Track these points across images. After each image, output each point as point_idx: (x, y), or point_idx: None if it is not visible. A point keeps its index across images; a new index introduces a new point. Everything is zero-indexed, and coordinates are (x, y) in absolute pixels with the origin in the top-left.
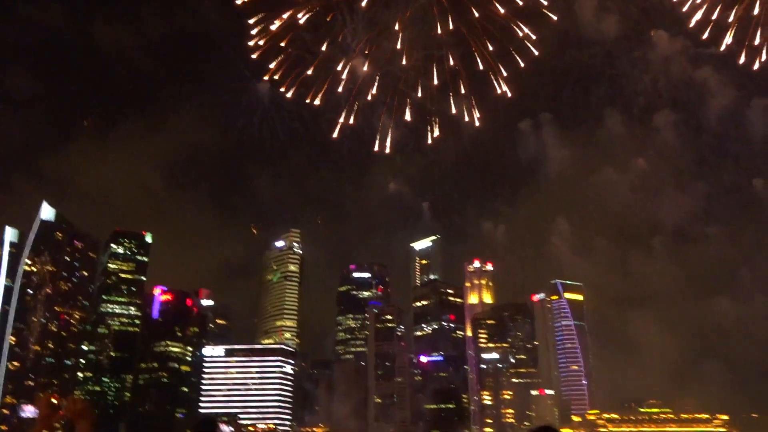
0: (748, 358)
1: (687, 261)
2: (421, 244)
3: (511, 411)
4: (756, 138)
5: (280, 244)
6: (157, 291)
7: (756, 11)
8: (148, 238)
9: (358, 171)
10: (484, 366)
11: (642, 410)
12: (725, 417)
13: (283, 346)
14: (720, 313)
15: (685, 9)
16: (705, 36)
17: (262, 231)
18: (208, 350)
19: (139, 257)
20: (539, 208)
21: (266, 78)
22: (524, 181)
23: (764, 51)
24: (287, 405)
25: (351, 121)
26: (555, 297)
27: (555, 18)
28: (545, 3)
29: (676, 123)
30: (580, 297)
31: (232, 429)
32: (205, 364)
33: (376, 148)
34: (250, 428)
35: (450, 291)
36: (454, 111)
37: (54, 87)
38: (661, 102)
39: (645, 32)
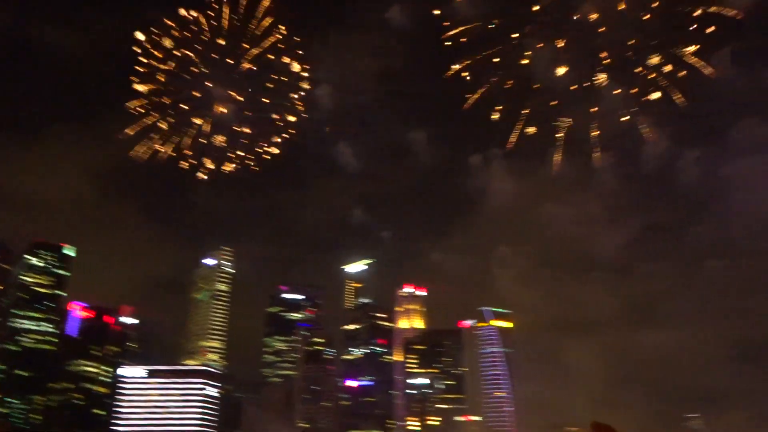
0: (666, 385)
1: (619, 293)
2: (355, 267)
3: None
4: (684, 185)
5: (210, 261)
6: (75, 307)
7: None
8: (69, 251)
9: (298, 191)
10: (412, 391)
11: None
12: None
13: (207, 368)
14: (644, 344)
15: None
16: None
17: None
18: (126, 370)
19: (58, 270)
20: (480, 237)
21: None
22: (468, 211)
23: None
24: (210, 429)
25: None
26: (483, 324)
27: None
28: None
29: (615, 167)
30: (509, 324)
31: None
32: (123, 385)
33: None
34: None
35: (381, 315)
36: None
37: None
38: (603, 146)
39: (594, 85)
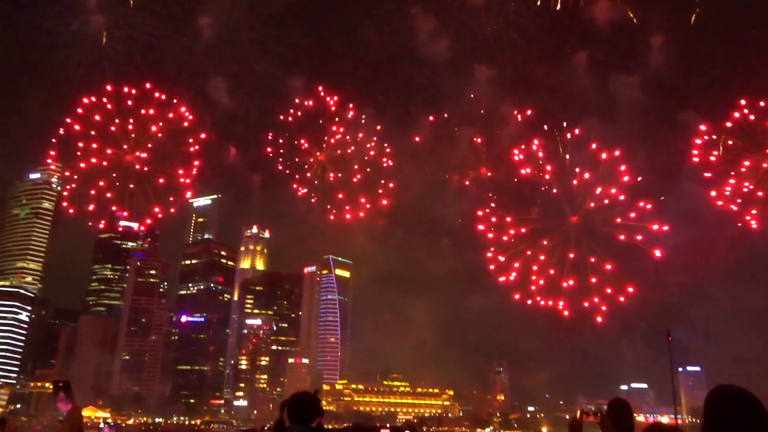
0: (479, 344)
1: (458, 260)
2: (200, 201)
3: (265, 377)
4: (531, 167)
5: (35, 176)
6: None
7: None
8: None
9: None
10: (246, 331)
11: (385, 383)
12: (451, 392)
13: (20, 290)
14: (471, 307)
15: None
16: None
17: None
18: None
19: None
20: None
21: None
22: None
23: None
24: (16, 356)
25: None
26: (325, 271)
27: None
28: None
29: (473, 140)
30: (348, 274)
31: None
32: None
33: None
34: None
35: (223, 253)
36: None
37: None
38: (468, 122)
39: (469, 63)
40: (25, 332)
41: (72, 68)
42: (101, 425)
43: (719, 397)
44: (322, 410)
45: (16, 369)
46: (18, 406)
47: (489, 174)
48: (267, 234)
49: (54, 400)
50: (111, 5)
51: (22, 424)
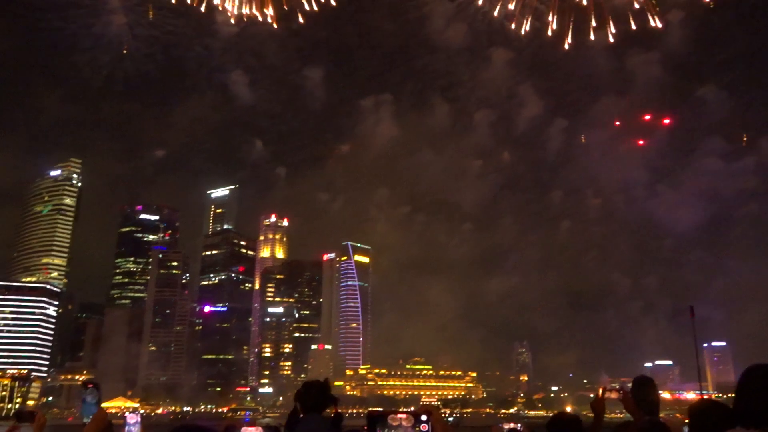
0: (500, 326)
1: (478, 243)
2: (218, 192)
3: (289, 363)
4: (550, 150)
5: (55, 173)
6: None
7: None
8: None
9: (166, 106)
10: (269, 319)
11: (408, 366)
12: (474, 374)
13: (47, 286)
14: (491, 289)
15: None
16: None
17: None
18: None
19: None
20: (360, 177)
21: None
22: (353, 151)
23: None
24: (46, 350)
25: None
26: (344, 258)
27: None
28: None
29: (491, 124)
30: (367, 260)
31: None
32: None
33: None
34: None
35: (243, 242)
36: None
37: None
38: (483, 104)
39: (485, 48)
40: (53, 327)
41: (95, 69)
42: (127, 414)
43: (753, 376)
44: (334, 398)
45: (47, 363)
46: (50, 398)
47: (508, 157)
48: (285, 222)
49: (84, 399)
50: (132, 5)
51: (53, 417)
